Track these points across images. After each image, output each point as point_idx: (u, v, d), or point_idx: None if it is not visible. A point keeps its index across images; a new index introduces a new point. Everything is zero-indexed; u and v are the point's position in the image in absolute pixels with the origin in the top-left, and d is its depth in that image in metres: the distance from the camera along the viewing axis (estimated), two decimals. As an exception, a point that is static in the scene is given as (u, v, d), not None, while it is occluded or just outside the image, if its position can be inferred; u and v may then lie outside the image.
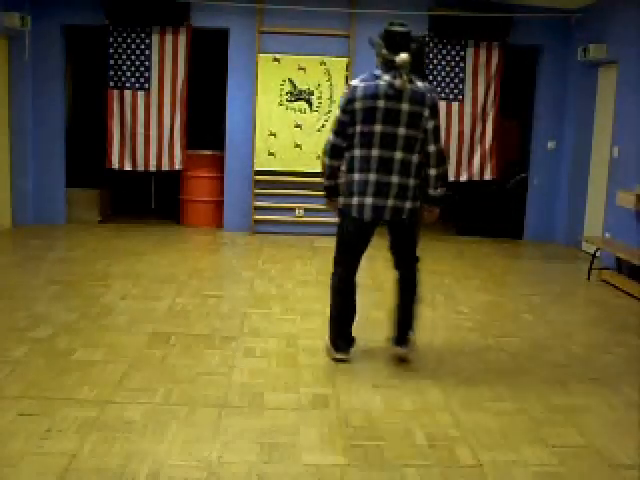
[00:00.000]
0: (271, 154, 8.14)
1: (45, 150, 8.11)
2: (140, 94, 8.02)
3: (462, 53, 8.19)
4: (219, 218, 8.45)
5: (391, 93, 3.70)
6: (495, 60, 8.21)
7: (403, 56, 3.70)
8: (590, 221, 7.99)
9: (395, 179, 3.77)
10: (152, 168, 8.19)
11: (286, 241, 7.92)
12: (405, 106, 3.72)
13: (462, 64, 8.21)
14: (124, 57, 7.95)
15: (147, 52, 7.96)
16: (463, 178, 8.42)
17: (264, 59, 7.98)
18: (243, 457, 2.92)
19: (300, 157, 8.14)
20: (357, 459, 2.96)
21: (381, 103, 3.71)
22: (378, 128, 3.73)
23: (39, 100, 7.99)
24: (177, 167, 8.24)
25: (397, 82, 3.70)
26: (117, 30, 7.89)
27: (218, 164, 8.41)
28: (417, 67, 3.96)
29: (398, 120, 3.72)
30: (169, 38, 7.96)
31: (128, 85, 7.98)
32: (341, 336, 4.12)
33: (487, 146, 8.37)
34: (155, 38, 7.95)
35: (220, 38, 8.18)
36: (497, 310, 5.47)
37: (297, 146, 8.12)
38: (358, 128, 3.76)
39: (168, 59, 8.01)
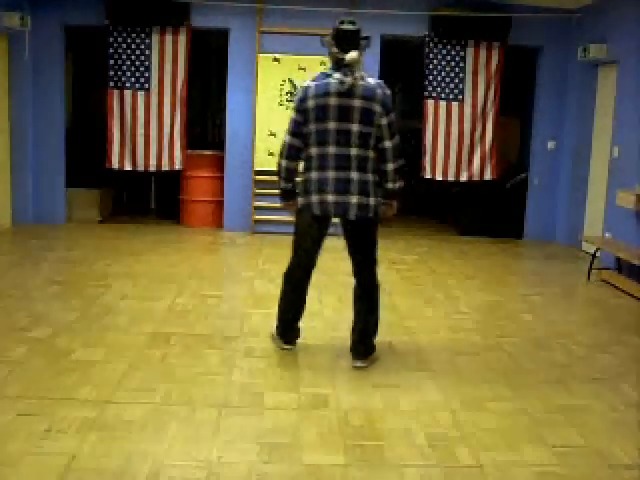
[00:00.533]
0: (271, 154, 8.12)
1: (45, 150, 8.10)
2: (140, 94, 8.01)
3: (462, 53, 8.19)
4: (219, 218, 8.45)
5: (342, 90, 3.72)
6: (495, 60, 8.21)
7: (353, 54, 3.75)
8: (590, 221, 7.99)
9: (354, 175, 3.79)
10: (152, 168, 8.19)
11: (286, 241, 7.85)
12: (357, 102, 3.74)
13: (462, 64, 8.20)
14: (124, 57, 7.95)
15: (147, 52, 7.96)
16: (463, 178, 8.42)
17: (264, 59, 7.98)
18: (243, 457, 2.92)
19: (300, 157, 8.12)
20: (357, 459, 2.96)
21: (333, 100, 3.73)
22: (332, 125, 3.75)
23: (39, 100, 7.99)
24: (177, 167, 8.24)
25: (347, 79, 3.72)
26: (117, 30, 7.88)
27: (218, 164, 8.41)
28: None
29: (351, 117, 3.74)
30: (169, 38, 7.96)
31: (128, 85, 7.98)
32: (290, 328, 4.18)
33: (487, 146, 8.37)
34: (155, 38, 7.95)
35: (220, 38, 8.18)
36: (497, 310, 5.47)
37: (297, 146, 8.10)
38: (312, 127, 3.79)
39: (168, 59, 8.01)
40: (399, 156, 3.89)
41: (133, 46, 7.94)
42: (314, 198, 3.83)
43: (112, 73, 7.97)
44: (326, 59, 7.84)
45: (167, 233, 8.05)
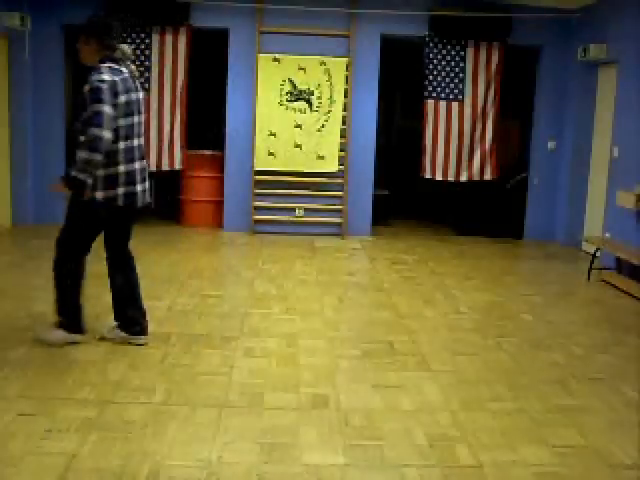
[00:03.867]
0: (271, 154, 8.13)
1: (45, 150, 8.10)
2: (140, 94, 8.01)
3: (462, 53, 8.19)
4: (219, 218, 8.45)
5: (135, 85, 4.00)
6: (495, 60, 8.21)
7: (126, 46, 4.06)
8: (590, 221, 8.00)
9: (145, 164, 4.12)
10: (152, 168, 8.17)
11: (286, 241, 7.92)
12: (140, 95, 4.06)
13: (462, 64, 8.21)
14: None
15: (147, 52, 7.96)
16: (463, 178, 8.42)
17: (264, 59, 7.98)
18: (243, 457, 2.92)
19: (300, 157, 8.13)
20: (357, 459, 2.96)
21: (134, 95, 3.96)
22: (137, 119, 3.98)
23: (39, 100, 7.99)
24: (177, 167, 8.24)
25: (134, 72, 4.04)
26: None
27: (218, 164, 8.41)
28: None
29: (141, 109, 4.05)
30: (169, 38, 7.96)
31: (128, 85, 7.97)
32: (80, 319, 4.19)
33: (487, 146, 8.37)
34: (155, 38, 7.95)
35: (220, 38, 8.18)
36: (497, 310, 5.47)
37: (297, 146, 8.12)
38: (122, 121, 3.87)
39: (168, 59, 8.01)
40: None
41: (133, 46, 7.93)
42: (120, 190, 3.92)
43: (112, 73, 7.96)
44: (326, 59, 7.98)
45: (167, 233, 8.05)
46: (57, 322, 4.13)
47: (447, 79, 8.22)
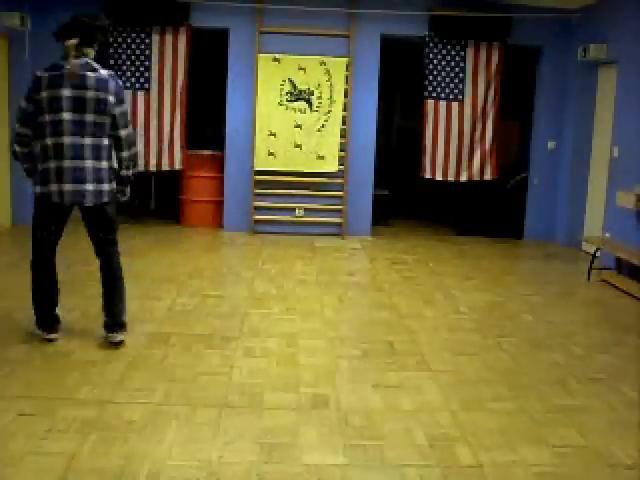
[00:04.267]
0: (271, 154, 8.13)
1: (45, 150, 8.10)
2: (140, 94, 8.02)
3: (462, 53, 8.19)
4: (219, 218, 8.45)
5: (76, 82, 3.91)
6: (495, 60, 8.21)
7: (71, 41, 4.08)
8: (590, 221, 8.00)
9: (89, 163, 3.94)
10: (152, 168, 8.19)
11: (286, 241, 7.92)
12: (90, 93, 3.91)
13: (462, 64, 8.21)
14: (124, 57, 7.95)
15: (147, 52, 7.96)
16: (463, 178, 8.43)
17: (264, 59, 7.98)
18: (243, 457, 2.92)
19: (300, 157, 8.13)
20: (357, 459, 2.96)
21: (67, 92, 3.89)
22: (67, 116, 3.87)
23: (39, 100, 7.98)
24: (177, 167, 8.24)
25: (68, 66, 3.98)
26: (117, 30, 7.89)
27: (218, 164, 8.41)
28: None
29: (85, 107, 3.89)
30: (169, 38, 7.96)
31: (128, 85, 7.97)
32: (48, 317, 4.21)
33: (487, 146, 8.37)
34: (155, 38, 7.95)
35: (220, 38, 8.18)
36: (497, 310, 5.47)
37: (297, 146, 8.12)
38: (47, 117, 3.87)
39: (168, 59, 8.01)
40: (132, 145, 4.16)
41: (133, 46, 7.94)
42: (53, 187, 3.92)
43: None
44: (326, 59, 7.98)
45: (167, 233, 8.05)
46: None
47: (447, 79, 8.22)
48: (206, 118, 9.70)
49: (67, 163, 3.89)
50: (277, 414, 3.36)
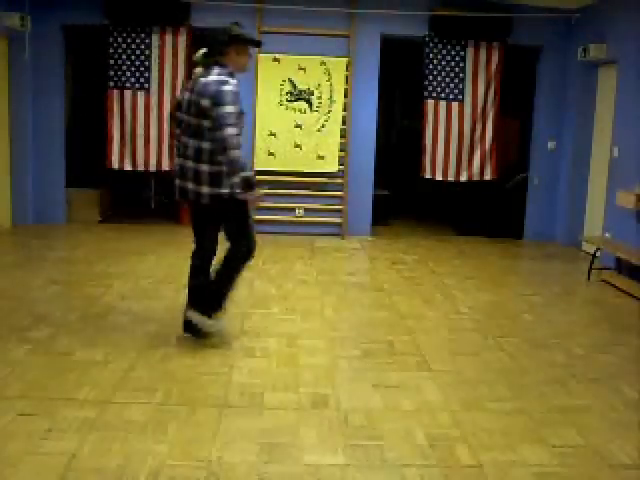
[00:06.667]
0: (271, 154, 8.14)
1: (45, 150, 8.10)
2: (140, 94, 8.02)
3: (462, 53, 8.19)
4: (219, 218, 8.43)
5: (191, 86, 4.15)
6: (495, 60, 8.21)
7: (199, 52, 4.19)
8: (590, 221, 8.00)
9: (190, 164, 4.24)
10: (152, 168, 8.19)
11: (286, 241, 7.92)
12: (194, 97, 4.07)
13: (462, 64, 8.21)
14: (124, 57, 7.95)
15: (147, 52, 7.96)
16: (463, 178, 8.42)
17: (264, 59, 7.98)
18: (243, 457, 2.92)
19: (300, 157, 8.13)
20: (357, 459, 2.96)
21: (187, 95, 4.16)
22: (184, 118, 4.16)
23: (39, 100, 7.99)
24: (177, 167, 8.23)
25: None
26: (117, 30, 7.89)
27: (218, 164, 8.39)
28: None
29: (189, 110, 4.10)
30: (169, 38, 7.96)
31: (128, 85, 7.98)
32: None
33: (487, 146, 8.37)
34: (155, 38, 7.95)
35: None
36: (497, 310, 5.47)
37: (297, 146, 8.12)
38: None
39: (168, 59, 8.01)
40: (227, 149, 4.09)
41: (133, 46, 7.94)
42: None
43: (112, 73, 7.97)
44: (326, 59, 7.98)
45: (167, 233, 8.04)
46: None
47: (447, 79, 8.22)
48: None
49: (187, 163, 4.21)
50: (277, 414, 3.36)
